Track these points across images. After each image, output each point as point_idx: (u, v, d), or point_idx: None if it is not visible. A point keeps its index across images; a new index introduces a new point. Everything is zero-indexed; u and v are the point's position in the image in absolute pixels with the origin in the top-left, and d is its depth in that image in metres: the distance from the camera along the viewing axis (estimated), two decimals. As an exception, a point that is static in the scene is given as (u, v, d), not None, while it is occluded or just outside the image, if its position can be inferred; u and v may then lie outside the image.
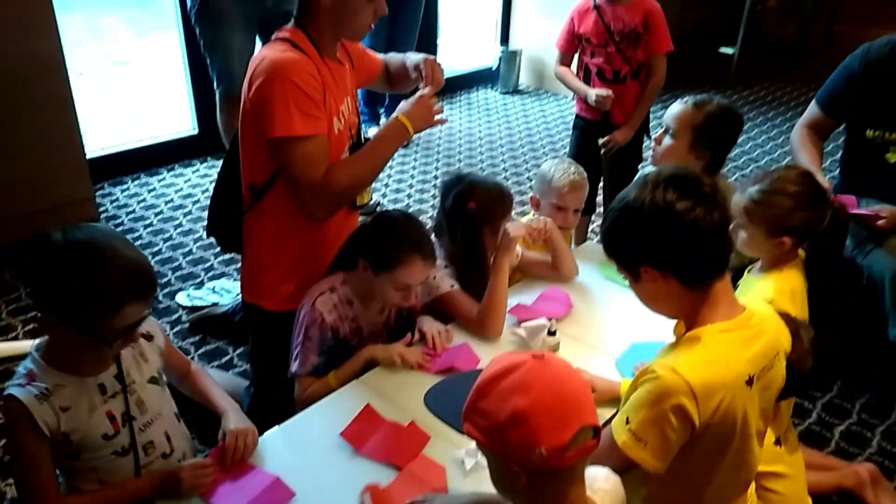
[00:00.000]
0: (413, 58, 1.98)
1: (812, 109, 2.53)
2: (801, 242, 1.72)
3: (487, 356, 1.77)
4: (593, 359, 1.78)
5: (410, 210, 3.68)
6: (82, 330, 1.25)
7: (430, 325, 1.80)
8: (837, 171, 2.72)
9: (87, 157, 3.51)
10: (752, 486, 1.40)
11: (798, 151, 2.49)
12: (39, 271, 1.25)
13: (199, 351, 2.59)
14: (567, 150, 4.25)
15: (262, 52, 1.71)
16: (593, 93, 2.78)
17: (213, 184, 2.11)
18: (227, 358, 2.56)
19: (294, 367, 1.70)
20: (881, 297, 2.22)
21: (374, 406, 1.57)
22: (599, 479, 1.12)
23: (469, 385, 1.02)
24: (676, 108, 2.08)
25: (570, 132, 3.11)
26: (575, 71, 3.00)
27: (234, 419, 1.49)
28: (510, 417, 0.93)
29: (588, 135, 2.93)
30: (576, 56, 3.00)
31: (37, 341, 1.36)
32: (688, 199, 1.14)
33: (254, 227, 1.88)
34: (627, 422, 1.19)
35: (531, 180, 3.96)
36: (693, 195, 1.15)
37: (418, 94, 1.78)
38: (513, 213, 2.03)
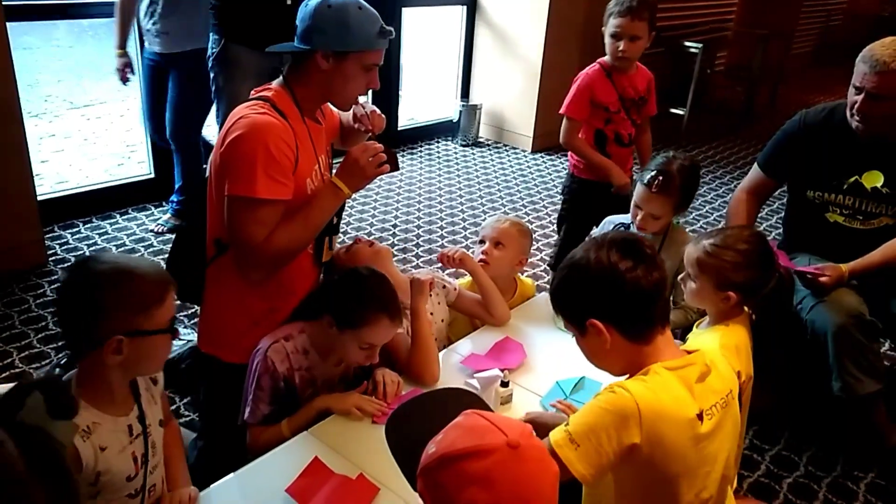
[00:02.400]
0: (350, 111, 1.98)
1: (754, 171, 2.64)
2: (747, 300, 1.77)
3: (440, 407, 1.76)
4: (542, 407, 1.78)
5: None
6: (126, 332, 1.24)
7: (382, 374, 1.79)
8: (782, 228, 2.83)
9: (39, 198, 3.44)
10: None
11: (731, 218, 2.61)
12: (76, 292, 1.26)
13: (146, 400, 2.51)
14: (524, 200, 4.30)
15: (241, 110, 1.70)
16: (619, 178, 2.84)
17: (175, 233, 2.09)
18: (174, 407, 2.48)
19: (245, 415, 1.67)
20: (824, 352, 2.28)
21: (323, 458, 1.54)
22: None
23: (437, 414, 1.00)
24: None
25: (564, 193, 3.15)
26: (581, 154, 3.00)
27: (182, 481, 1.47)
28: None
29: (584, 195, 2.99)
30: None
31: (67, 375, 1.32)
32: (629, 260, 1.23)
33: (217, 279, 1.85)
34: (567, 424, 1.22)
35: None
36: (634, 256, 1.24)
37: (349, 153, 1.74)
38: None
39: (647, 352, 1.26)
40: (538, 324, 2.18)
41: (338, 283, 1.70)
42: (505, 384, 1.73)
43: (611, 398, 1.19)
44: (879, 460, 2.41)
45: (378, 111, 2.00)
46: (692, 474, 1.21)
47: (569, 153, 3.12)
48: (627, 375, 1.29)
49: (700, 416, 1.20)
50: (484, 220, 4.25)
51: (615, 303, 1.23)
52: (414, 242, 3.95)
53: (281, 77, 1.79)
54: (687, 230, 2.47)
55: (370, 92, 1.86)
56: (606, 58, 2.90)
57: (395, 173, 4.90)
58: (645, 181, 2.21)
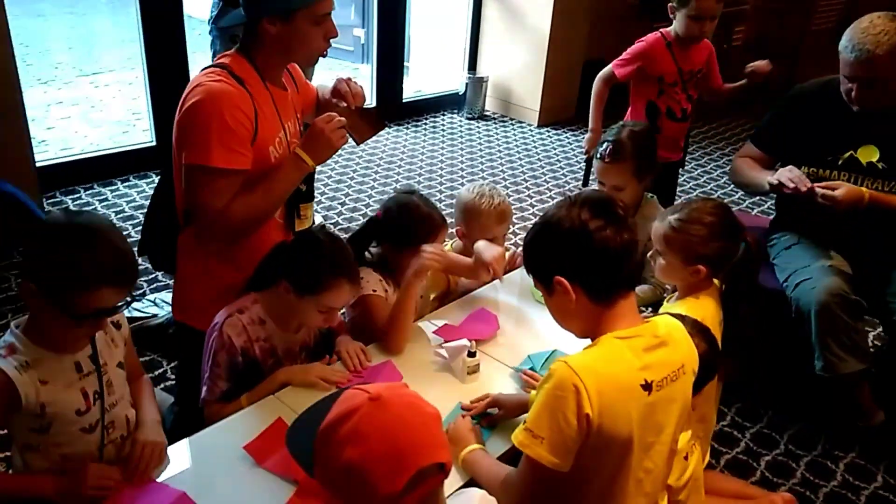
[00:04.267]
0: (329, 85, 1.97)
1: (748, 147, 2.60)
2: (716, 272, 1.76)
3: (411, 373, 1.77)
4: (510, 378, 1.79)
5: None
6: (55, 301, 1.29)
7: (346, 345, 1.79)
8: (775, 205, 2.78)
9: (43, 164, 3.48)
10: None
11: (742, 169, 2.54)
12: (32, 239, 1.34)
13: (133, 363, 2.55)
14: (526, 174, 4.29)
15: (198, 78, 1.69)
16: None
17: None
18: (161, 371, 2.53)
19: (203, 393, 1.67)
20: (808, 330, 2.26)
21: (287, 420, 1.56)
22: (473, 501, 1.12)
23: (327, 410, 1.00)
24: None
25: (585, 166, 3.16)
26: (592, 103, 3.03)
27: (147, 431, 1.49)
28: (345, 469, 0.93)
29: None
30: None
31: (17, 320, 1.40)
32: (599, 219, 1.23)
33: (187, 249, 1.86)
34: (524, 422, 1.23)
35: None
36: (605, 216, 1.23)
37: (313, 123, 1.71)
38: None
39: (609, 315, 1.25)
40: (516, 297, 2.18)
41: (294, 249, 1.69)
42: (472, 354, 1.74)
43: (554, 379, 1.18)
44: (861, 440, 2.39)
45: (360, 88, 1.96)
46: (639, 444, 1.21)
47: None
48: (589, 341, 1.30)
49: (647, 387, 1.20)
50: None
51: (582, 261, 1.23)
52: (411, 214, 3.94)
53: (238, 45, 1.77)
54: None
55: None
56: (670, 29, 2.88)
57: (397, 145, 4.90)
58: (597, 153, 2.20)
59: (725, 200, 4.48)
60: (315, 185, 4.13)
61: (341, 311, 1.90)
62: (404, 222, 1.91)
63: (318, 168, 4.57)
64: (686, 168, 4.52)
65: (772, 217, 2.74)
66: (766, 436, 2.44)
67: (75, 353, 1.39)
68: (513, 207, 3.89)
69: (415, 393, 1.04)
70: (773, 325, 2.45)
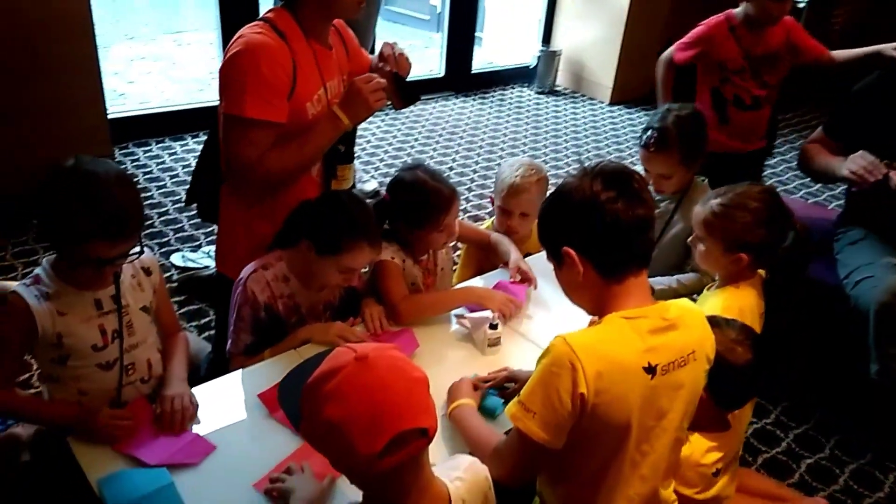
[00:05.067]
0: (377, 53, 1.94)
1: (820, 134, 2.45)
2: (759, 261, 1.67)
3: (431, 342, 1.77)
4: (532, 354, 1.75)
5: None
6: (54, 245, 1.36)
7: (370, 307, 1.80)
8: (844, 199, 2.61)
9: (119, 116, 3.61)
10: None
11: (813, 156, 2.39)
12: (42, 185, 1.35)
13: (182, 310, 2.65)
14: (591, 153, 4.18)
15: (242, 31, 1.72)
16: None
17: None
18: (207, 320, 2.61)
19: (228, 345, 1.71)
20: (865, 331, 2.13)
21: (305, 376, 1.59)
22: (461, 468, 1.11)
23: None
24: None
25: None
26: (658, 87, 2.87)
27: (173, 386, 1.51)
28: (325, 426, 0.93)
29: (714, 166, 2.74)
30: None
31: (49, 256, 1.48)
32: (612, 191, 1.17)
33: (228, 199, 1.91)
34: (519, 395, 1.20)
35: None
36: (618, 188, 1.17)
37: (352, 83, 1.72)
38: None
39: (617, 292, 1.21)
40: (551, 274, 2.12)
41: (315, 208, 1.69)
42: (494, 326, 1.71)
43: (551, 355, 1.15)
44: (915, 453, 2.25)
45: (406, 55, 1.95)
46: (638, 426, 1.17)
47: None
48: (597, 318, 1.25)
49: (650, 370, 1.15)
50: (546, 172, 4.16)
51: (591, 234, 1.19)
52: (466, 187, 3.92)
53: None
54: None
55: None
56: (738, 11, 2.65)
57: (462, 116, 4.87)
58: (641, 141, 2.09)
59: (804, 193, 4.25)
60: (376, 151, 4.17)
61: (364, 271, 1.91)
62: (412, 200, 1.84)
63: (380, 133, 4.59)
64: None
65: (839, 211, 2.58)
66: (811, 438, 2.32)
67: (96, 291, 1.44)
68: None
69: (403, 356, 1.03)
70: (829, 324, 2.31)
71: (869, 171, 2.07)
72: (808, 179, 4.21)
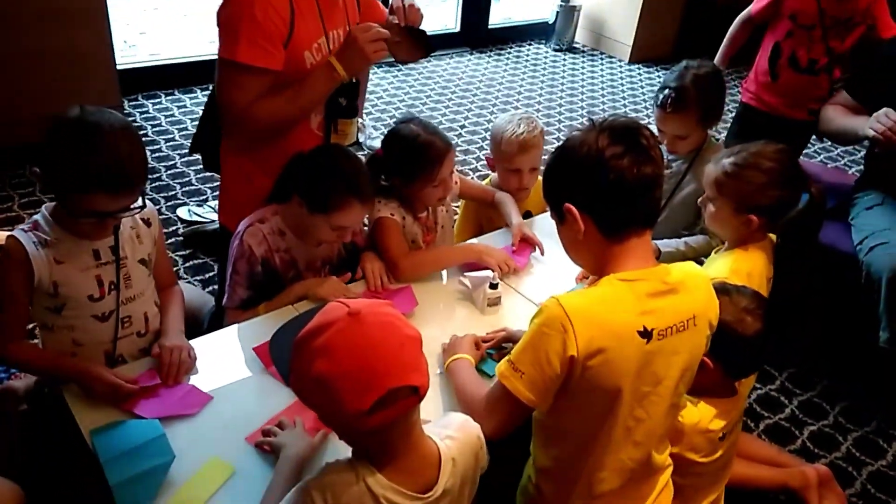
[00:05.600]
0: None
1: (842, 95, 2.37)
2: (771, 223, 1.62)
3: (430, 300, 1.75)
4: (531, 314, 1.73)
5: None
6: (56, 196, 1.34)
7: (372, 263, 1.78)
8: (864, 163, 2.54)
9: (129, 67, 3.56)
10: (668, 472, 1.34)
11: (834, 116, 2.32)
12: (45, 134, 1.32)
13: (187, 264, 2.66)
14: (607, 113, 4.11)
15: None
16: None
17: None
18: (211, 274, 2.62)
19: (224, 299, 1.70)
20: (876, 298, 2.08)
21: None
22: (452, 426, 1.10)
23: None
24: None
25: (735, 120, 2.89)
26: (722, 44, 2.76)
27: (171, 338, 1.51)
28: (314, 381, 0.92)
29: (756, 127, 2.68)
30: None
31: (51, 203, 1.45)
32: (619, 146, 1.12)
33: (227, 150, 1.88)
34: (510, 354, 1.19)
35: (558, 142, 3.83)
36: (626, 144, 1.12)
37: (349, 32, 1.67)
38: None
39: (617, 253, 1.16)
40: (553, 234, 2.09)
41: (307, 163, 1.64)
42: (494, 286, 1.69)
43: (543, 316, 1.12)
44: (921, 423, 2.23)
45: (417, 6, 1.89)
46: (631, 391, 1.15)
47: (742, 82, 2.83)
48: (596, 277, 1.22)
49: (645, 334, 1.12)
50: (557, 129, 4.09)
51: (593, 190, 1.14)
52: (478, 145, 3.86)
53: None
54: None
55: None
56: None
57: (476, 72, 4.77)
58: (658, 101, 2.01)
59: (823, 157, 4.14)
60: (386, 107, 4.11)
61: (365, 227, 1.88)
62: (406, 154, 1.79)
63: (392, 90, 4.51)
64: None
65: (857, 177, 2.51)
66: (815, 405, 2.30)
67: (94, 241, 1.43)
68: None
69: (397, 313, 1.01)
70: (839, 290, 2.26)
71: (894, 131, 2.00)
72: (829, 144, 4.14)
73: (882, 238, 2.11)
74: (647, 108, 4.49)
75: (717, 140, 2.15)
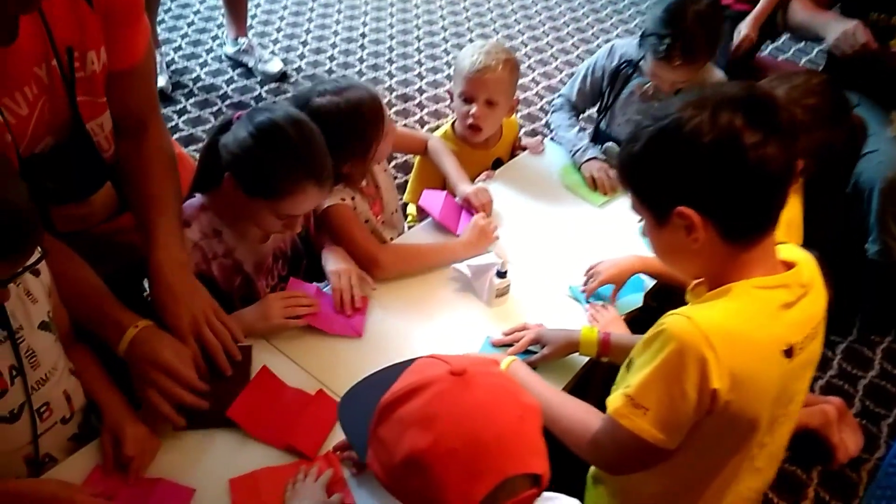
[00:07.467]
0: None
1: None
2: (812, 167, 1.40)
3: (419, 293, 1.45)
4: (544, 298, 1.47)
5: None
6: None
7: (336, 265, 1.39)
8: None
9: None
10: None
11: (801, 9, 2.10)
12: None
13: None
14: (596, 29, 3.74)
15: None
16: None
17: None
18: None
19: None
20: (866, 209, 1.97)
21: (274, 369, 1.24)
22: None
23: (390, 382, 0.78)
24: None
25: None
26: None
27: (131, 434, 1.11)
28: (406, 459, 0.72)
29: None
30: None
31: None
32: (759, 131, 0.86)
33: None
34: (627, 386, 0.95)
35: (533, 70, 3.43)
36: (766, 126, 0.87)
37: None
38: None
39: (744, 260, 0.92)
40: (540, 181, 1.80)
41: (251, 141, 1.21)
42: (502, 274, 1.39)
43: (677, 342, 0.88)
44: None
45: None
46: (768, 419, 0.95)
47: None
48: (700, 281, 0.99)
49: (789, 352, 0.92)
50: (475, 35, 3.66)
51: (725, 189, 0.88)
52: (386, 57, 3.40)
53: None
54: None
55: None
56: None
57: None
58: (661, 53, 1.67)
59: (794, 51, 3.83)
60: (269, 18, 3.51)
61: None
62: (345, 129, 1.39)
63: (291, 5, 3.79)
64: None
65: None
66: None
67: None
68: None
69: (510, 377, 0.83)
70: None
71: (860, 54, 1.83)
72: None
73: (872, 145, 1.96)
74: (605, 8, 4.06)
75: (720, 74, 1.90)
